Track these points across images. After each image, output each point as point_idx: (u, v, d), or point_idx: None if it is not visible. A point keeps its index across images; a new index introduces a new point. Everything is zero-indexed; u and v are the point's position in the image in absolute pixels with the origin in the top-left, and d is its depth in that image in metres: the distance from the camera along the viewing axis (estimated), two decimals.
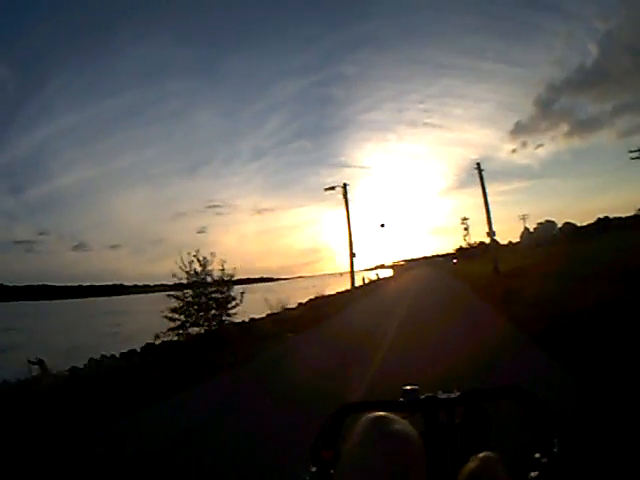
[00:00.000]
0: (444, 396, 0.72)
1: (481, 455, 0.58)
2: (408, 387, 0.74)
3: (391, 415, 0.57)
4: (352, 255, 26.42)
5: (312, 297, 22.43)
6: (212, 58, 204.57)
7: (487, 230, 27.37)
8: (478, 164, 26.03)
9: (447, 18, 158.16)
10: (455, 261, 68.12)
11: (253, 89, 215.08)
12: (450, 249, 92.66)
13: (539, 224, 55.39)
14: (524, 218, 64.96)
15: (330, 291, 26.57)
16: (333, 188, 27.07)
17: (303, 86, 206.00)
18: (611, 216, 53.79)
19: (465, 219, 74.26)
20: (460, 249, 78.16)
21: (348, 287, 26.86)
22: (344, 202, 26.89)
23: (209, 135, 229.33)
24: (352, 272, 26.59)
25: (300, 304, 20.16)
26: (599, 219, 51.43)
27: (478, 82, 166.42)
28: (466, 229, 73.71)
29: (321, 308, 16.83)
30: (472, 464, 0.57)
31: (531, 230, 62.21)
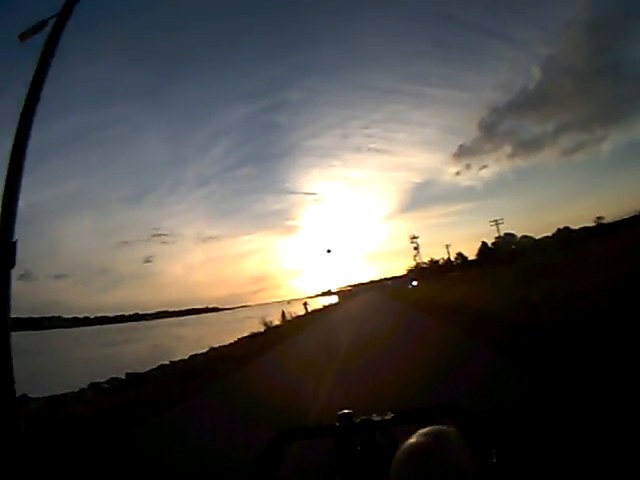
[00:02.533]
0: (378, 418, 0.73)
1: (426, 429, 0.55)
2: (342, 412, 0.74)
3: None
4: None
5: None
6: (159, 83, 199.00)
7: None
8: None
9: (393, 45, 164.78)
10: (415, 283, 56.31)
11: (199, 115, 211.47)
12: (399, 271, 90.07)
13: (497, 238, 53.70)
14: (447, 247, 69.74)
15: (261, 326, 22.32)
16: None
17: (249, 112, 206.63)
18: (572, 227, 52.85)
19: (415, 237, 70.00)
20: (412, 270, 72.54)
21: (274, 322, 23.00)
22: None
23: (155, 161, 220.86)
24: None
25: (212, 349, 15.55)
26: (558, 229, 50.45)
27: (422, 107, 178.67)
28: (416, 248, 69.42)
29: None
30: (415, 439, 0.54)
31: (489, 245, 60.65)
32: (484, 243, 62.25)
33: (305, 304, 38.28)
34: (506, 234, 51.13)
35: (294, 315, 29.73)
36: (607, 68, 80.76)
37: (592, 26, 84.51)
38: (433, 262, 71.52)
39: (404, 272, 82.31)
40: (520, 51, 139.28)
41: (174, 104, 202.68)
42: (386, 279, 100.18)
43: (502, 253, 47.11)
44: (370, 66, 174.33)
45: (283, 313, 26.29)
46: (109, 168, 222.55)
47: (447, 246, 70.69)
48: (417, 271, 67.70)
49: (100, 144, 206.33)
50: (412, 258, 71.16)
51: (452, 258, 68.88)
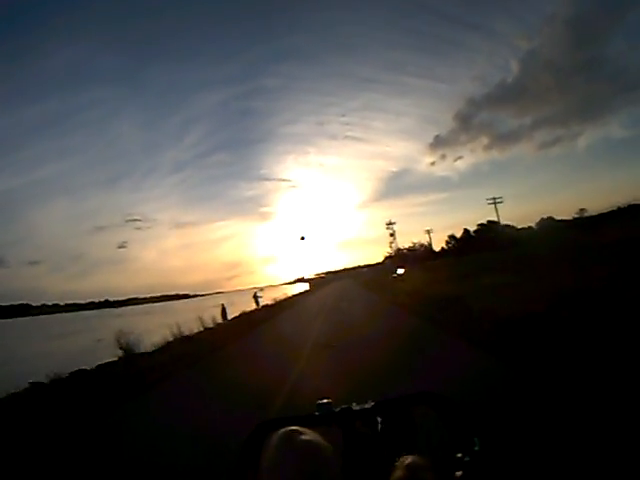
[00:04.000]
0: (358, 407, 0.73)
1: (406, 461, 0.57)
2: (322, 401, 0.74)
3: (301, 429, 0.57)
4: None
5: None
6: (135, 67, 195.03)
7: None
8: None
9: (371, 33, 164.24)
10: (401, 271, 41.64)
11: (175, 100, 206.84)
12: (375, 259, 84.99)
13: (480, 225, 50.95)
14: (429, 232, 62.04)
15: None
16: None
17: (225, 98, 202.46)
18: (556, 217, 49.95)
19: (391, 223, 65.30)
20: (391, 256, 66.32)
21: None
22: None
23: (130, 146, 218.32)
24: None
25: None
26: (542, 219, 48.15)
27: (400, 96, 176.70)
28: (392, 234, 64.42)
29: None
30: (397, 472, 0.55)
31: (472, 233, 57.88)
32: (466, 230, 58.95)
33: (255, 296, 27.12)
34: (489, 222, 48.31)
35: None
36: (585, 64, 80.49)
37: (573, 22, 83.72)
38: (415, 248, 63.60)
39: (381, 259, 77.60)
40: (500, 44, 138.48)
41: (149, 89, 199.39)
42: (360, 267, 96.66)
43: (484, 241, 44.32)
44: (348, 54, 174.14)
45: (223, 309, 19.75)
46: (83, 153, 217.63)
47: (428, 231, 62.49)
48: (399, 257, 60.87)
49: (74, 129, 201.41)
50: (388, 245, 66.35)
51: (434, 244, 62.37)
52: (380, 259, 78.68)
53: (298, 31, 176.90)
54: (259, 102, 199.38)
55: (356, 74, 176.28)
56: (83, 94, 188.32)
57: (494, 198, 45.95)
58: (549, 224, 44.22)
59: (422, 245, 62.14)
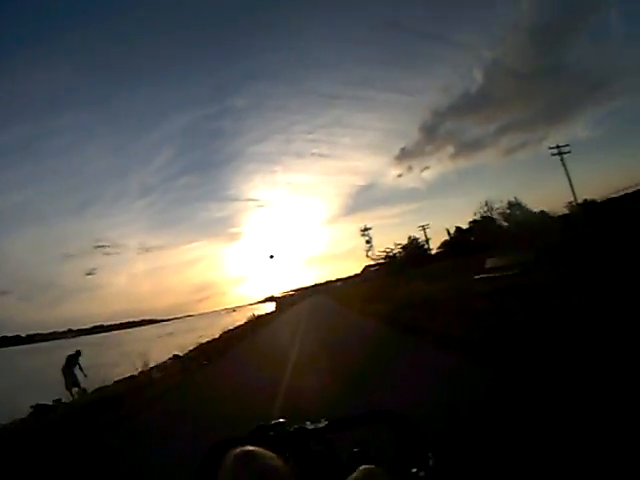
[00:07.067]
0: (312, 426, 0.72)
1: (362, 468, 0.57)
2: (277, 421, 0.74)
3: (257, 449, 0.57)
4: None
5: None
6: (104, 91, 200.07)
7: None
8: None
9: (337, 50, 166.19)
10: None
11: (143, 123, 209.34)
12: (347, 272, 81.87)
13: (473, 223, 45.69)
14: (424, 228, 50.00)
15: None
16: None
17: (193, 119, 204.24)
18: None
19: (366, 229, 58.05)
20: (371, 266, 58.53)
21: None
22: None
23: (98, 172, 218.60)
24: None
25: None
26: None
27: (366, 111, 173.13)
28: (368, 241, 57.13)
29: None
30: (353, 476, 0.56)
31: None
32: (447, 230, 48.86)
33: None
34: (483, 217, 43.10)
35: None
36: (547, 71, 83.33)
37: (535, 29, 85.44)
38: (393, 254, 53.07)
39: (357, 271, 71.94)
40: (464, 55, 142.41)
41: (118, 113, 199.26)
42: (332, 281, 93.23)
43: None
44: (316, 71, 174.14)
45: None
46: (51, 179, 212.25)
47: (424, 227, 51.41)
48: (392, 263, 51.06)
49: (42, 155, 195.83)
50: (365, 254, 58.09)
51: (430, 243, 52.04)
52: (356, 271, 73.73)
53: (267, 50, 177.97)
54: (227, 122, 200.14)
55: (323, 91, 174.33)
56: (52, 120, 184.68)
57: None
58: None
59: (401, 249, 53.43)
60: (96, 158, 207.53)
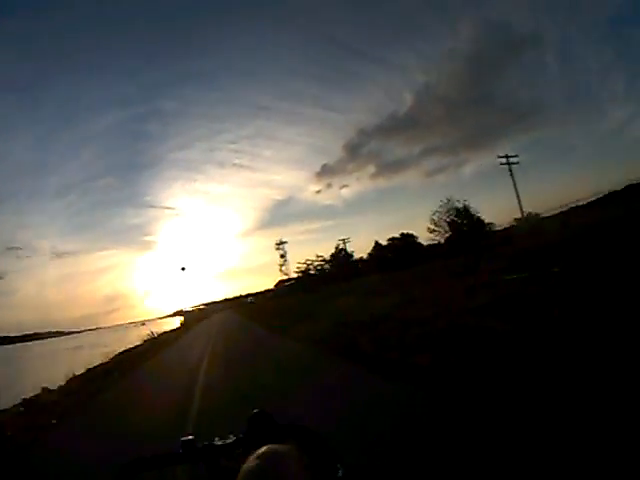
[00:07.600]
0: (220, 442, 0.72)
1: (261, 450, 0.52)
2: (185, 438, 0.72)
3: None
4: None
5: None
6: (29, 82, 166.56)
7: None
8: None
9: (271, 61, 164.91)
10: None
11: (69, 118, 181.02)
12: (259, 287, 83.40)
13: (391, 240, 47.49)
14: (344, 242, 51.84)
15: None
16: None
17: (120, 119, 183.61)
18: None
19: (281, 243, 57.91)
20: (283, 281, 58.61)
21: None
22: None
23: (17, 166, 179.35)
24: None
25: None
26: None
27: (292, 125, 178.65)
28: (283, 256, 56.96)
29: None
30: (250, 462, 0.51)
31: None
32: (377, 242, 49.41)
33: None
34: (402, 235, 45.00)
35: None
36: (477, 99, 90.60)
37: (469, 58, 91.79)
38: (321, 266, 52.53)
39: (269, 286, 72.43)
40: (396, 77, 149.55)
41: (45, 104, 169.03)
42: (243, 296, 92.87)
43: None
44: (247, 80, 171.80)
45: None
46: None
47: (344, 240, 52.84)
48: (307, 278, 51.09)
49: None
50: (278, 268, 58.33)
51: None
52: (268, 286, 73.73)
53: (199, 54, 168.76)
54: (153, 125, 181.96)
55: (251, 101, 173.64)
56: None
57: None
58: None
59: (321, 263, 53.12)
60: (17, 152, 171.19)
